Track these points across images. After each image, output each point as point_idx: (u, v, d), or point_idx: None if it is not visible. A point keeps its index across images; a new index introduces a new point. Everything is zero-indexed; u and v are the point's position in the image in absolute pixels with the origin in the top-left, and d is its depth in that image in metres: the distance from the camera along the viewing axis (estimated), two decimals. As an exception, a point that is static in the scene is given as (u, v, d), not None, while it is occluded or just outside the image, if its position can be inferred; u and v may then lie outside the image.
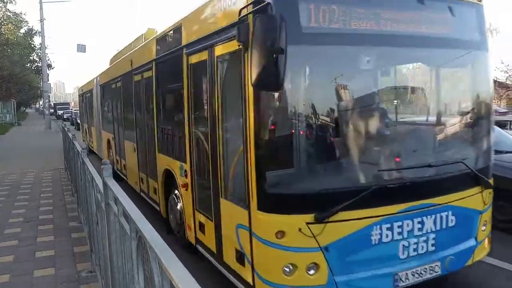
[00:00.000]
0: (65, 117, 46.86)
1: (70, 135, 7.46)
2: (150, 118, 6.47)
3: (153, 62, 6.12)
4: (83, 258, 4.77)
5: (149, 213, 6.17)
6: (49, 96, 34.88)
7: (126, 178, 8.80)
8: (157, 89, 6.12)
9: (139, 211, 1.99)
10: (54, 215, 6.68)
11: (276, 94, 3.13)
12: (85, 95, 16.11)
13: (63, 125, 13.36)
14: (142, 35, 8.04)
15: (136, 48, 7.71)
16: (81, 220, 5.93)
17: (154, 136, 6.33)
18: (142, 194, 7.39)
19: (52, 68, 38.83)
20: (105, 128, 11.00)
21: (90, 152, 13.86)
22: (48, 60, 35.09)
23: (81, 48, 30.45)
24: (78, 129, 23.22)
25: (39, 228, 6.00)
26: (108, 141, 10.58)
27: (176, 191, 5.36)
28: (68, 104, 68.03)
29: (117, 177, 8.92)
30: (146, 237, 1.68)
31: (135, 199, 6.84)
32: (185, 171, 4.79)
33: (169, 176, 5.61)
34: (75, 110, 50.18)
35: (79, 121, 23.97)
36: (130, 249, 2.08)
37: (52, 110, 56.21)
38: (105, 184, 2.79)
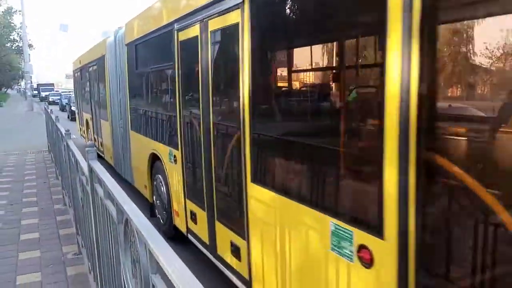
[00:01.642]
0: (50, 99, 38.49)
1: (53, 116, 7.33)
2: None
3: None
4: (69, 240, 4.75)
5: (133, 196, 6.17)
6: (30, 77, 34.13)
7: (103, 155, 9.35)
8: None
9: (125, 194, 1.98)
10: (38, 198, 6.62)
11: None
12: (86, 70, 10.88)
13: (45, 106, 11.69)
14: None
15: None
16: (66, 202, 5.89)
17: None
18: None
19: (34, 48, 37.94)
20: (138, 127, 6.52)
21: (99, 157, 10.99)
22: (29, 40, 34.24)
23: (64, 28, 29.76)
24: (73, 119, 16.87)
25: (23, 210, 5.94)
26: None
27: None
28: (52, 85, 63.03)
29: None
30: (133, 220, 1.67)
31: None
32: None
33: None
34: (62, 91, 44.83)
35: (73, 108, 16.53)
36: (117, 232, 2.08)
37: (36, 92, 54.02)
38: (90, 167, 2.76)
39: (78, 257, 4.30)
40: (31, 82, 34.83)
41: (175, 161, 4.62)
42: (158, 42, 5.22)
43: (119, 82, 7.38)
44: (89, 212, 3.10)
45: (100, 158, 8.60)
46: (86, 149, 2.84)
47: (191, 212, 4.36)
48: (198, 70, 3.87)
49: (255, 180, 3.02)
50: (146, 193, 6.06)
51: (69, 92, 33.95)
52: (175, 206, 4.83)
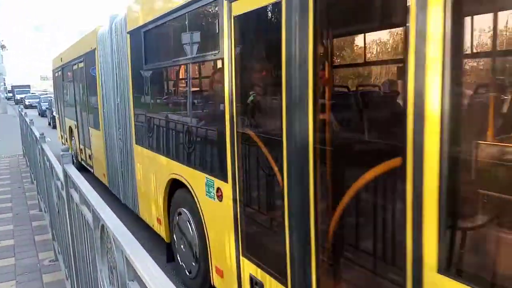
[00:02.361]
0: (27, 103, 35.37)
1: (27, 120, 7.15)
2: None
3: None
4: (45, 246, 4.64)
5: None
6: (4, 79, 33.28)
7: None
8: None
9: (100, 199, 1.94)
10: (13, 203, 6.43)
11: None
12: (69, 69, 9.50)
13: (19, 109, 10.84)
14: None
15: None
16: (42, 208, 5.75)
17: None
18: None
19: (7, 49, 37.04)
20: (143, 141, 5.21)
21: (81, 168, 8.58)
22: (2, 40, 33.41)
23: (38, 29, 29.12)
24: (55, 127, 13.93)
25: (-3, 217, 5.78)
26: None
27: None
28: (28, 86, 59.18)
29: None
30: (109, 226, 1.64)
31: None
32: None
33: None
34: (40, 93, 38.04)
35: (55, 114, 13.76)
36: (93, 238, 2.04)
37: (10, 94, 52.19)
38: (65, 172, 2.70)
39: (54, 263, 4.20)
40: (5, 84, 33.95)
41: (220, 197, 3.25)
42: (188, 23, 3.75)
43: (116, 82, 5.83)
44: (65, 217, 3.03)
45: (84, 170, 8.33)
46: (61, 153, 2.78)
47: (253, 280, 2.92)
48: (278, 59, 2.41)
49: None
50: (160, 229, 4.64)
51: (47, 94, 32.55)
52: (216, 260, 3.46)
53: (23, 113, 9.30)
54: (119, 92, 5.78)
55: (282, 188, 2.50)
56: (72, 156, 9.45)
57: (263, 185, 2.89)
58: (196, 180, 3.64)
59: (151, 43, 4.62)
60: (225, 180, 3.11)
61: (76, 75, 8.86)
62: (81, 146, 8.94)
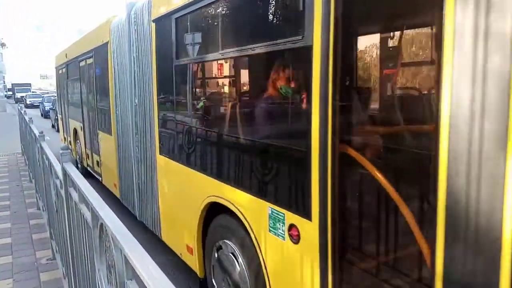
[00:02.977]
0: (28, 102, 32.87)
1: (26, 118, 7.14)
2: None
3: None
4: (42, 245, 4.63)
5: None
6: (3, 76, 33.26)
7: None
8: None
9: (100, 197, 1.93)
10: (11, 201, 6.42)
11: None
12: (75, 65, 8.57)
13: (19, 107, 10.65)
14: None
15: None
16: (40, 206, 5.73)
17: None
18: None
19: (7, 47, 37.03)
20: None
21: (87, 174, 7.89)
22: (2, 38, 33.42)
23: (39, 28, 29.12)
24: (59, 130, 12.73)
25: (-5, 215, 5.77)
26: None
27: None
28: (29, 85, 56.71)
29: None
30: (108, 225, 1.64)
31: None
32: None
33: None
34: (42, 92, 37.43)
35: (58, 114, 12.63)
36: (91, 237, 2.03)
37: (10, 93, 51.70)
38: (64, 171, 2.70)
39: (52, 262, 4.18)
40: (4, 82, 33.93)
41: (295, 237, 2.35)
42: (249, 1, 2.97)
43: (134, 80, 5.00)
44: (63, 216, 3.03)
45: (90, 176, 7.87)
46: (61, 151, 2.78)
47: None
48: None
49: None
50: (191, 259, 3.80)
51: (48, 93, 31.79)
52: None
53: (22, 111, 9.30)
54: (138, 92, 4.92)
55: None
56: (77, 161, 9.22)
57: (371, 227, 2.15)
58: (252, 208, 2.77)
59: (187, 32, 3.73)
60: (307, 217, 2.21)
61: (84, 72, 8.02)
62: (88, 151, 8.18)
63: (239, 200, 2.90)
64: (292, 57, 2.73)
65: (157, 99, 4.27)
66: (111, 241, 1.62)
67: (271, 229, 2.56)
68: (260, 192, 2.68)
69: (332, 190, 2.03)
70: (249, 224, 2.79)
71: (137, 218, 5.22)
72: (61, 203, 3.06)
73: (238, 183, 2.94)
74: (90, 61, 7.36)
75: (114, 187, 6.30)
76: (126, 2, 5.22)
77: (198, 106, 3.80)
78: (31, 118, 6.74)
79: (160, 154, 4.30)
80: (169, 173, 4.18)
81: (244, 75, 3.41)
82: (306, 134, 2.17)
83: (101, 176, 7.25)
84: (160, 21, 4.10)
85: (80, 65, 8.17)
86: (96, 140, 7.32)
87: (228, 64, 3.54)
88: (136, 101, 4.98)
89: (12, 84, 56.44)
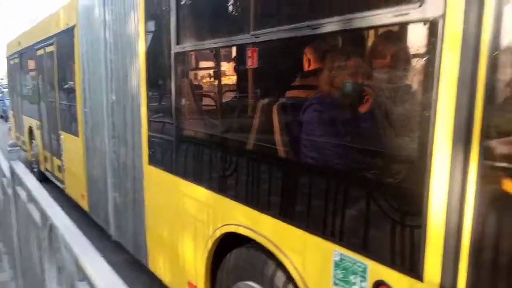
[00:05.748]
0: None
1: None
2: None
3: None
4: (-12, 247, 4.40)
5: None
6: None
7: None
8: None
9: (49, 196, 1.87)
10: (-47, 201, 6.05)
11: None
12: (31, 55, 7.59)
13: None
14: None
15: None
16: (-14, 206, 5.46)
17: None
18: None
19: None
20: None
21: (44, 179, 7.05)
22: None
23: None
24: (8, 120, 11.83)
25: None
26: None
27: None
28: None
29: None
30: (58, 225, 1.59)
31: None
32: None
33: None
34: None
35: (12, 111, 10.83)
36: (40, 238, 1.97)
37: None
38: (11, 169, 2.59)
39: (-2, 264, 4.00)
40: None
41: None
42: None
43: (111, 72, 4.07)
44: (10, 216, 2.91)
45: (48, 181, 6.98)
46: (8, 148, 2.67)
47: None
48: None
49: None
50: None
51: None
52: None
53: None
54: (115, 86, 4.02)
55: None
56: (32, 164, 8.16)
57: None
58: (302, 250, 1.96)
59: (197, 9, 2.86)
60: (414, 274, 1.46)
61: (42, 63, 6.95)
62: (46, 153, 7.17)
63: (281, 235, 2.09)
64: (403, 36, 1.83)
65: (146, 96, 3.37)
66: (61, 242, 1.58)
67: (337, 281, 1.79)
68: (321, 228, 1.86)
69: (472, 233, 1.28)
70: (296, 269, 1.98)
71: (113, 237, 4.37)
72: (8, 202, 2.94)
73: (281, 213, 2.09)
74: (50, 49, 6.31)
75: (82, 198, 5.36)
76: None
77: (218, 105, 2.95)
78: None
79: (150, 164, 3.40)
80: (164, 189, 3.26)
81: (295, 61, 2.41)
82: (417, 146, 1.46)
83: (63, 184, 6.27)
84: None
85: (38, 54, 7.11)
86: (57, 142, 6.33)
87: (263, 47, 2.31)
88: (114, 97, 4.06)
89: None
